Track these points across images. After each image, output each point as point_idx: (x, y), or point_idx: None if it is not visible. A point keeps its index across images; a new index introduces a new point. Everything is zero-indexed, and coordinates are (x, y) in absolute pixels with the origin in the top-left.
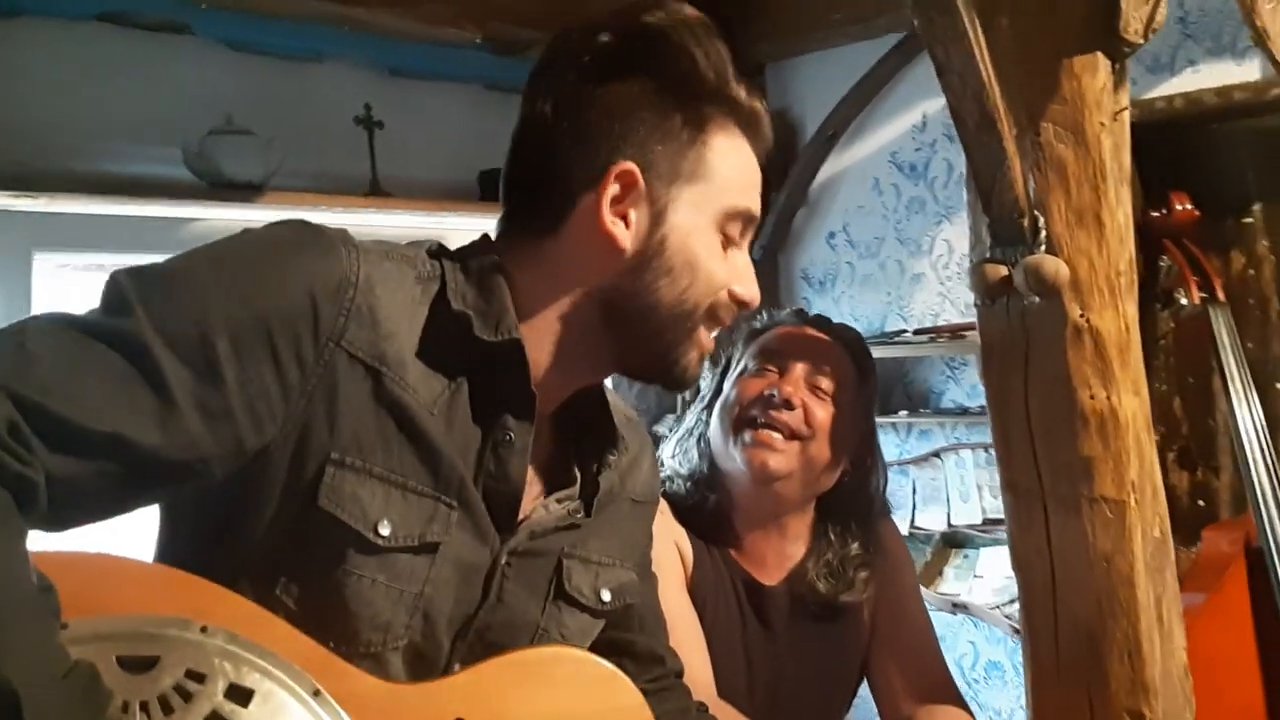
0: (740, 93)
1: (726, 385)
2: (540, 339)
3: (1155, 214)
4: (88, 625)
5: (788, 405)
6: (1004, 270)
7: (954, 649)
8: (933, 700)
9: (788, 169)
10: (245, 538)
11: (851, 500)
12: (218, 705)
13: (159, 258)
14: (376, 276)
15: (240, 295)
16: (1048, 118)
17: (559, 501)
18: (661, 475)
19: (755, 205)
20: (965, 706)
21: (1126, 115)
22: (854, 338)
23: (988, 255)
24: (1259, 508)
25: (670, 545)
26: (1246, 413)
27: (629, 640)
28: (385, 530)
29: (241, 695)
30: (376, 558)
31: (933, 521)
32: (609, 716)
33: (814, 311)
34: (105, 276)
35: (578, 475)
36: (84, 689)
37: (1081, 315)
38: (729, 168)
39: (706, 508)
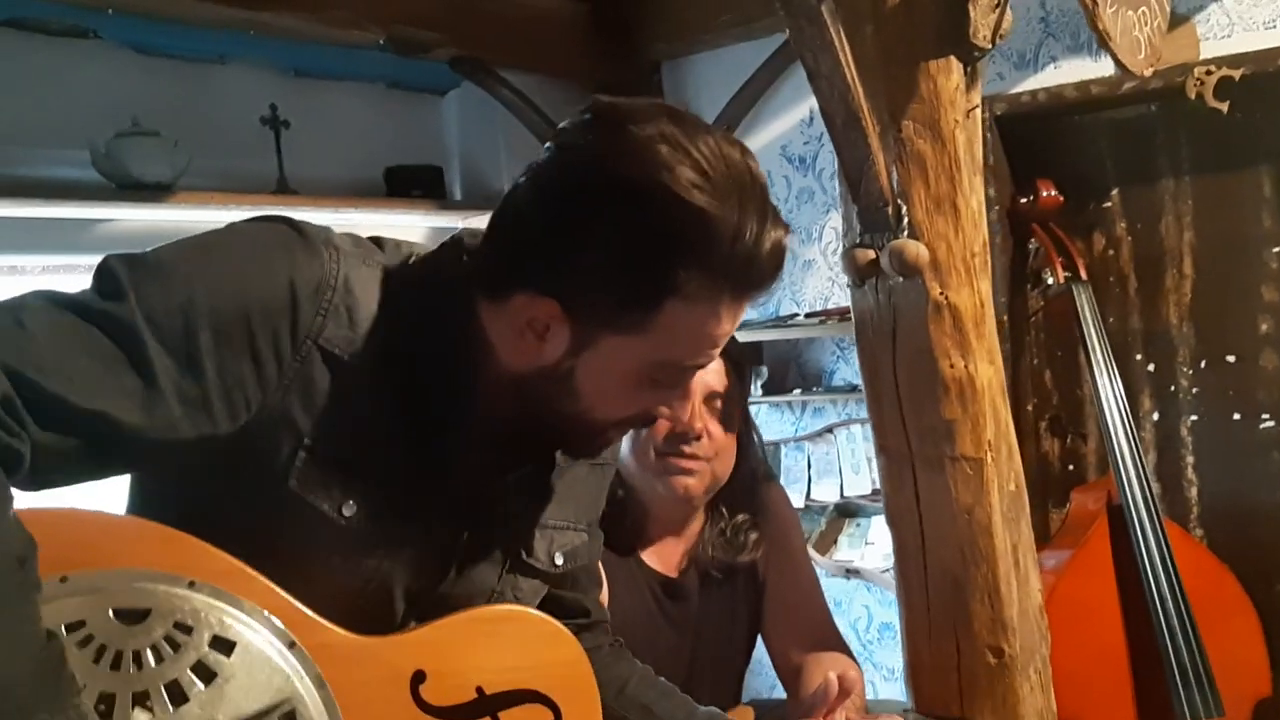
0: (755, 267)
1: None
2: (484, 374)
3: (1023, 200)
4: (86, 579)
5: (698, 438)
6: (871, 254)
7: (849, 612)
8: (819, 649)
9: None
10: (214, 509)
11: (737, 477)
12: (203, 655)
13: (70, 259)
14: (354, 279)
15: (225, 290)
16: (908, 115)
17: (519, 479)
18: None
19: (699, 359)
20: (850, 653)
21: (979, 112)
22: (732, 344)
23: (857, 241)
24: (1118, 469)
25: None
26: (1107, 382)
27: (556, 596)
28: (349, 511)
29: (225, 646)
30: (339, 536)
31: (826, 493)
32: (554, 668)
33: None
34: (17, 279)
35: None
36: (52, 673)
37: (941, 293)
38: (677, 329)
39: (625, 524)
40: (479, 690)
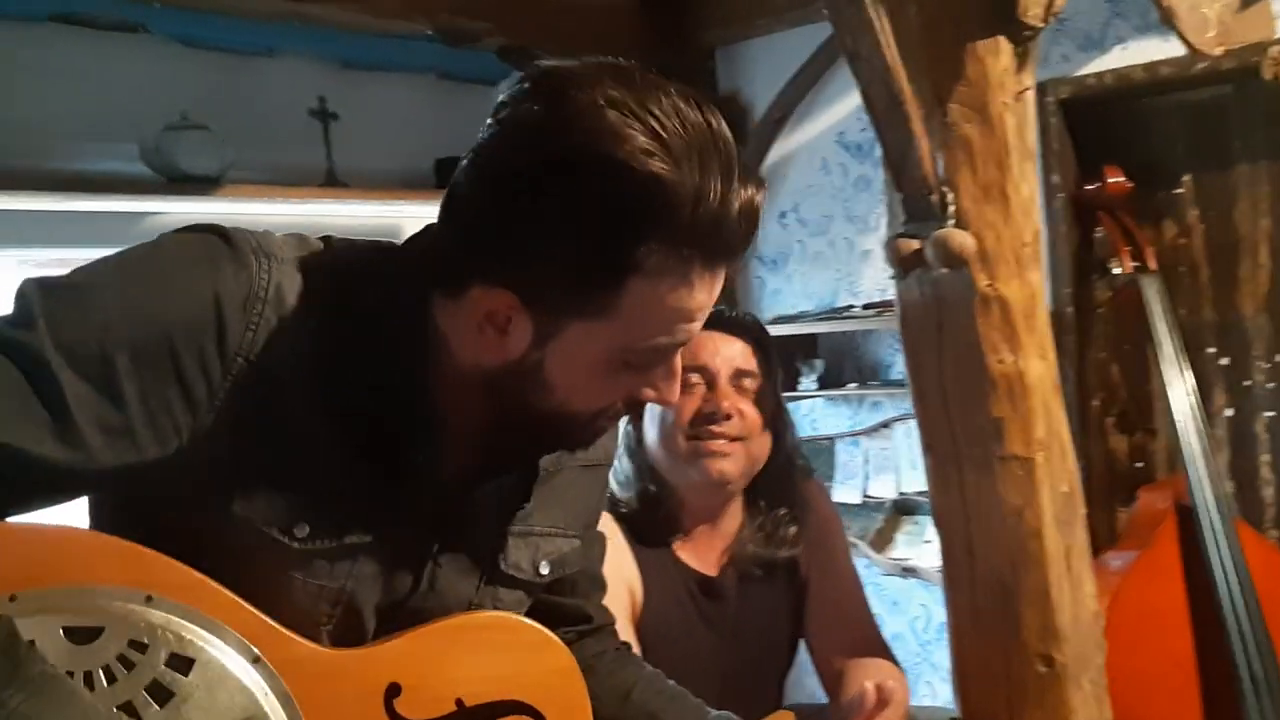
0: (723, 231)
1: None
2: (443, 375)
3: (1089, 187)
4: (35, 598)
5: (727, 417)
6: (915, 244)
7: (907, 612)
8: (861, 653)
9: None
10: (168, 529)
11: (774, 468)
12: (159, 674)
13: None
14: (289, 287)
15: (143, 310)
16: (954, 99)
17: (497, 486)
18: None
19: (676, 336)
20: (893, 658)
21: (1030, 95)
22: (754, 324)
23: (901, 231)
24: (1189, 467)
25: (622, 586)
26: (1177, 376)
27: (555, 603)
28: (301, 533)
29: (182, 664)
30: (295, 558)
31: (884, 490)
32: (540, 677)
33: (769, 289)
34: (65, 272)
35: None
36: (7, 649)
37: (989, 285)
38: (646, 308)
39: (657, 517)
40: (458, 702)
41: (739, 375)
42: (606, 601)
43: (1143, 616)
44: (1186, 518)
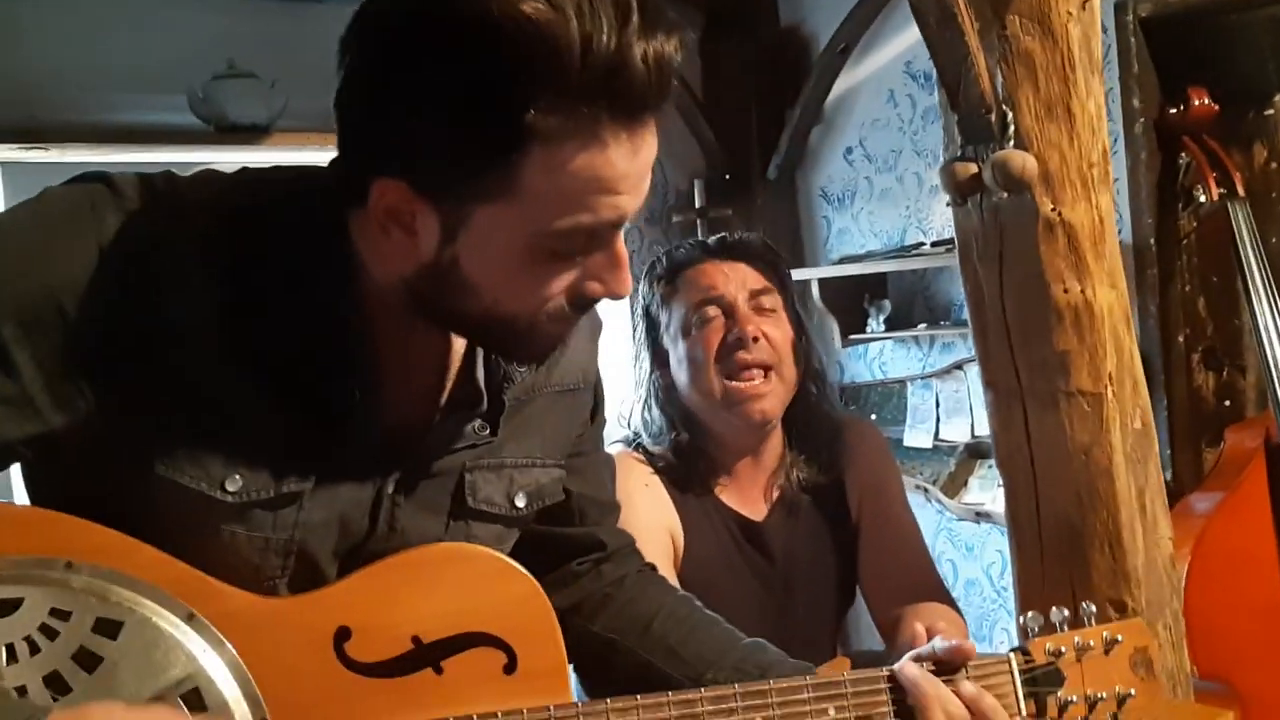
0: (625, 76)
1: (673, 345)
2: (364, 295)
3: (1173, 110)
4: None
5: (755, 340)
6: (973, 168)
7: (982, 558)
8: (918, 598)
9: (801, 86)
10: (96, 506)
11: (803, 391)
12: (84, 640)
13: None
14: (189, 231)
15: (26, 272)
16: (1013, 10)
17: (462, 421)
18: (637, 442)
19: (601, 213)
20: (953, 603)
21: (1096, 4)
22: (758, 243)
23: (958, 155)
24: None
25: (663, 531)
26: (1268, 310)
27: (564, 534)
28: (234, 486)
29: (110, 628)
30: (233, 513)
31: (957, 433)
32: (501, 606)
33: (835, 229)
34: None
35: (483, 393)
36: None
37: (1053, 209)
38: (555, 181)
39: (696, 466)
40: (415, 640)
41: (755, 295)
42: (647, 550)
43: (1229, 561)
44: (1277, 457)
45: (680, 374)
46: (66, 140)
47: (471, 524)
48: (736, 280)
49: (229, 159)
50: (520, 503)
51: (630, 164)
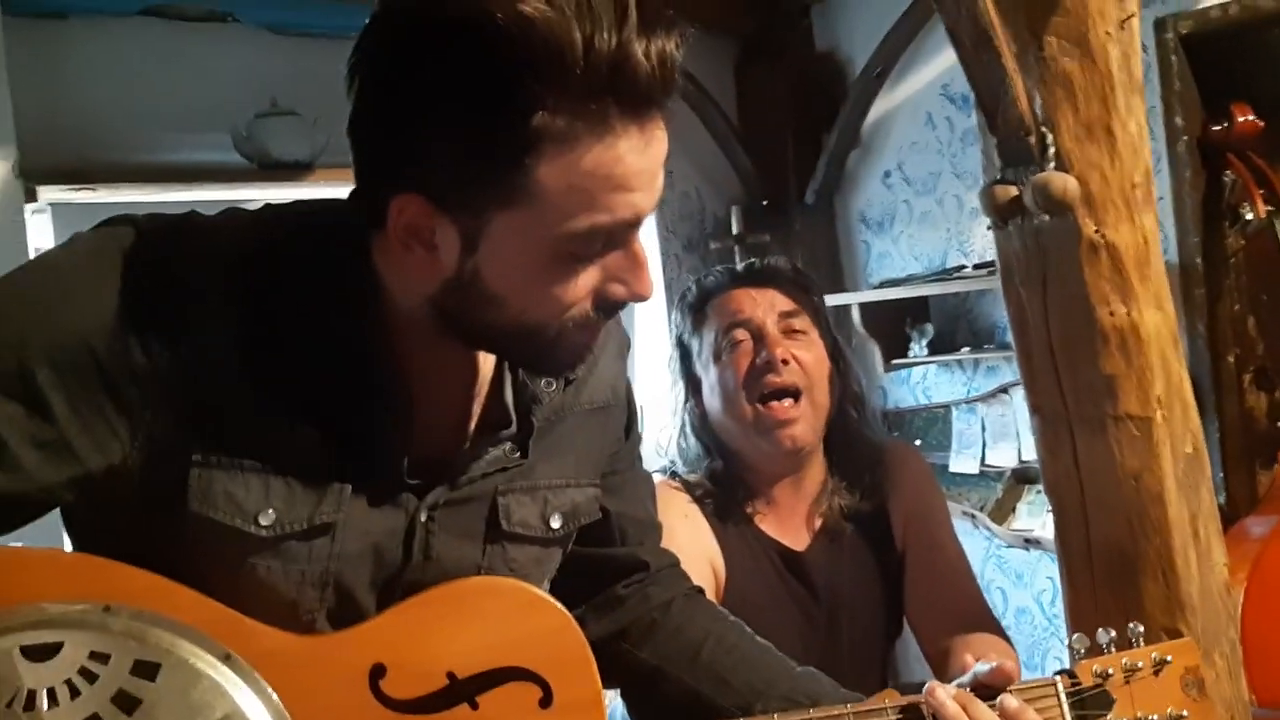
0: (629, 71)
1: (705, 372)
2: (401, 323)
3: (1216, 127)
4: None
5: (784, 362)
6: (1013, 191)
7: (1033, 585)
8: (967, 628)
9: (837, 111)
10: (133, 546)
11: (842, 414)
12: (123, 683)
13: None
14: (214, 269)
15: (59, 318)
16: (1050, 31)
17: (493, 445)
18: (673, 470)
19: (618, 211)
20: (1003, 633)
21: (1136, 22)
22: (789, 268)
23: (998, 177)
24: None
25: (704, 562)
26: None
27: (606, 555)
28: (267, 520)
29: (148, 670)
30: (265, 547)
31: (1003, 458)
32: (536, 641)
33: (875, 253)
34: None
35: (513, 415)
36: None
37: (1096, 231)
38: (571, 181)
39: (734, 494)
40: (450, 675)
41: (784, 318)
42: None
43: None
44: None
45: (713, 400)
46: (114, 180)
47: (508, 547)
48: (765, 304)
49: (273, 195)
50: (555, 524)
51: (642, 160)
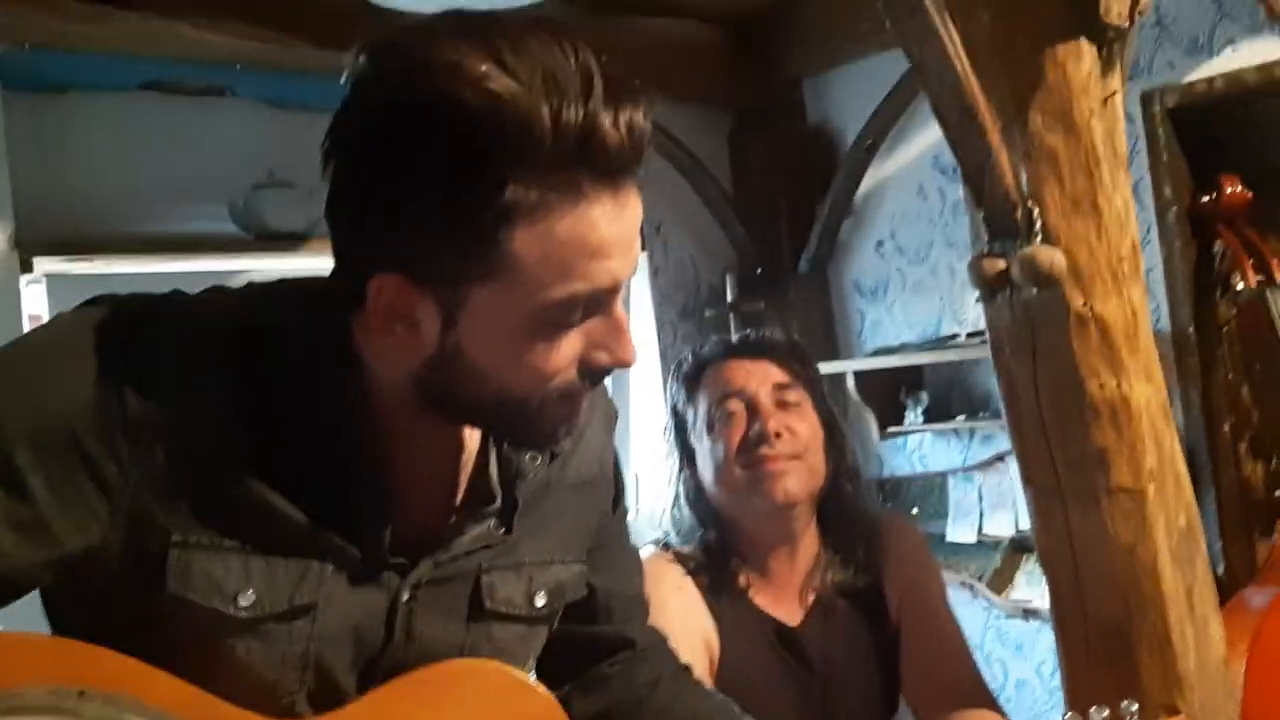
0: (597, 140)
1: (699, 442)
2: (384, 400)
3: (1205, 199)
4: None
5: (777, 435)
6: (1001, 264)
7: (1033, 657)
8: (963, 704)
9: (829, 181)
10: (111, 628)
11: (837, 485)
12: None
13: None
14: (195, 348)
15: (38, 399)
16: (1035, 107)
17: (477, 521)
18: (666, 542)
19: (595, 279)
20: (1000, 710)
21: (1119, 99)
22: (785, 340)
23: (985, 250)
24: None
25: (698, 638)
26: None
27: (592, 633)
28: (246, 601)
29: None
30: (245, 629)
31: (1001, 527)
32: None
33: (869, 321)
34: None
35: (497, 490)
36: None
37: (1084, 304)
38: (545, 252)
39: (727, 565)
40: None
41: (778, 390)
42: (679, 647)
43: None
44: None
45: (706, 471)
46: (110, 251)
47: (492, 626)
48: (759, 376)
49: (269, 266)
50: (540, 602)
51: (616, 226)
